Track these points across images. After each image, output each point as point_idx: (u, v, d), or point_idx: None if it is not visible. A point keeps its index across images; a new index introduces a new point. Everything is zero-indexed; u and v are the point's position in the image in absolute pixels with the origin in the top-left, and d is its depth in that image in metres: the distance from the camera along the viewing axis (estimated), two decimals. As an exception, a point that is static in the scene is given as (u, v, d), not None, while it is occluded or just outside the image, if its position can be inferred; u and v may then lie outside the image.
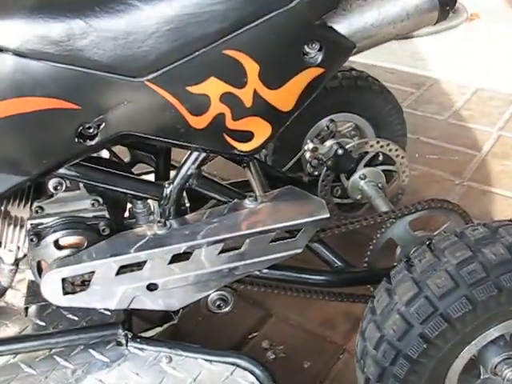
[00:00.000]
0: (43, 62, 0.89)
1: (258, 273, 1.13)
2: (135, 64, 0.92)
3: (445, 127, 2.23)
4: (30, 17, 0.88)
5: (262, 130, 1.02)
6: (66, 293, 1.05)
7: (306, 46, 0.98)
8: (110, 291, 1.07)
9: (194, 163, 1.07)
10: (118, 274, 1.05)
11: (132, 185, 1.09)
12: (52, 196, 1.09)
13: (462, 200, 1.79)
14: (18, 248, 1.12)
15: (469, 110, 2.34)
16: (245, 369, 1.08)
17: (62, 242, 1.07)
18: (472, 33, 3.16)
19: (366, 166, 1.46)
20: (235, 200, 1.11)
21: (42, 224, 1.06)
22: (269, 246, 1.08)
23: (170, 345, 1.14)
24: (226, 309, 1.17)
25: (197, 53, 0.93)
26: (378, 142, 1.45)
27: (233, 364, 1.09)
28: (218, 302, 1.15)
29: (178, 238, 1.05)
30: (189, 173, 1.08)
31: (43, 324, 1.24)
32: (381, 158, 1.48)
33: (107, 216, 1.10)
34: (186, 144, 1.02)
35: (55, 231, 1.07)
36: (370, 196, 1.42)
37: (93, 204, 1.09)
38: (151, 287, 1.08)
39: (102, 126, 0.95)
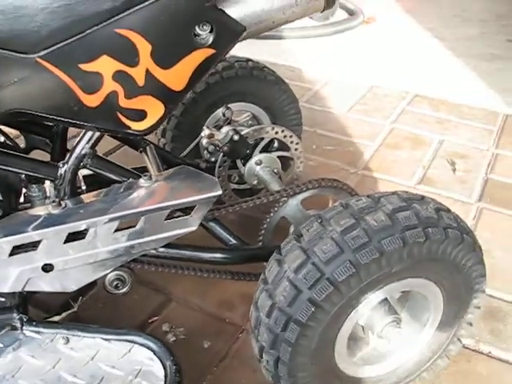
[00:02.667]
0: None
1: (154, 252, 1.15)
2: (25, 40, 0.92)
3: (341, 120, 2.34)
4: None
5: (154, 109, 1.04)
6: (-45, 275, 1.03)
7: (196, 27, 1.01)
8: (2, 273, 1.05)
9: (87, 142, 1.08)
10: (11, 254, 1.04)
11: (25, 165, 1.08)
12: None
13: (356, 187, 1.89)
14: None
15: (364, 104, 2.47)
16: (142, 345, 1.10)
17: (-50, 224, 1.04)
18: (368, 34, 3.34)
19: (261, 152, 1.52)
20: (130, 179, 1.13)
21: None
22: (164, 224, 1.10)
23: (67, 326, 1.14)
24: (124, 289, 1.18)
25: (88, 31, 0.93)
26: (272, 129, 1.51)
27: (131, 341, 1.11)
28: (115, 282, 1.16)
29: (73, 217, 1.05)
30: (83, 152, 1.08)
31: None
32: (276, 144, 1.54)
33: (0, 198, 1.08)
34: (79, 123, 1.02)
35: None
36: (265, 180, 1.47)
37: (-17, 186, 1.08)
38: (46, 268, 1.08)
39: (-10, 104, 0.94)
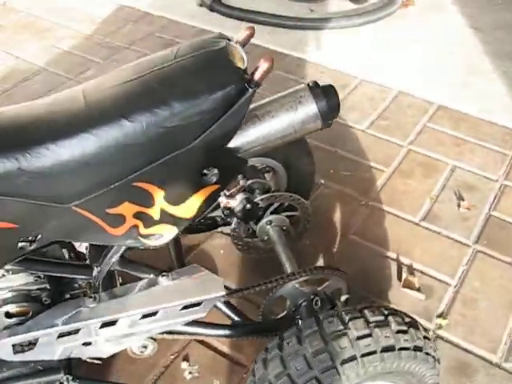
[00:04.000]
0: None
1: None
2: (62, 194, 1.15)
3: (362, 139, 2.49)
4: None
5: (168, 232, 1.28)
6: (16, 352, 1.33)
7: (204, 170, 1.22)
8: (52, 350, 1.34)
9: (115, 253, 1.33)
10: (58, 337, 1.33)
11: (66, 270, 1.35)
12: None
13: (365, 222, 2.10)
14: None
15: (386, 119, 2.60)
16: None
17: (11, 311, 1.33)
18: (405, 20, 3.36)
19: (272, 213, 1.73)
20: (151, 276, 1.39)
21: (-6, 298, 1.32)
22: (179, 313, 1.37)
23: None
24: (147, 353, 1.46)
25: (112, 186, 1.16)
26: (281, 195, 1.71)
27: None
28: (140, 349, 1.45)
29: (105, 311, 1.33)
30: (113, 260, 1.33)
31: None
32: (286, 204, 1.75)
33: (48, 287, 1.36)
34: (109, 244, 1.27)
35: (6, 303, 1.33)
36: (273, 241, 1.69)
37: (36, 280, 1.35)
38: (86, 344, 1.37)
39: (38, 237, 1.20)
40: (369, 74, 2.90)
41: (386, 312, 1.27)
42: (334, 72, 2.91)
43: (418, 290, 1.86)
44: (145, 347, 1.45)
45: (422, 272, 1.92)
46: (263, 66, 1.16)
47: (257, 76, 1.16)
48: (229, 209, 1.71)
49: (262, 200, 1.70)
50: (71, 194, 1.16)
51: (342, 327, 1.22)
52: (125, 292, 1.37)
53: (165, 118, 1.11)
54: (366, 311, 1.27)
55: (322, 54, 3.06)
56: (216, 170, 1.23)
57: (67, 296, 1.39)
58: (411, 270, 1.92)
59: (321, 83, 1.37)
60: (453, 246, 2.01)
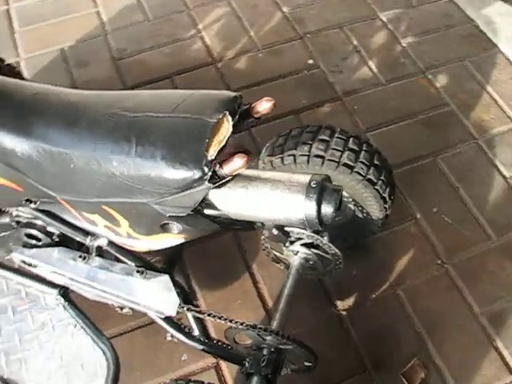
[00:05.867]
0: None
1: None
2: (53, 187, 1.31)
3: (500, 188, 2.17)
4: None
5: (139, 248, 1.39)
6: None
7: (164, 221, 1.27)
8: (47, 276, 1.62)
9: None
10: (50, 272, 1.59)
11: (69, 230, 1.55)
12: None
13: (426, 285, 1.93)
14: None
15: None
16: None
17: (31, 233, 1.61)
18: None
19: (303, 245, 1.70)
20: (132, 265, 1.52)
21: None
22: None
23: None
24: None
25: (87, 199, 1.29)
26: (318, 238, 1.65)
27: None
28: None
29: (81, 272, 1.54)
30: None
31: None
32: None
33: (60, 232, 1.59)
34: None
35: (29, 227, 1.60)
36: (289, 272, 1.69)
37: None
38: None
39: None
40: None
41: None
42: None
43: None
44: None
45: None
46: (236, 162, 1.12)
47: (226, 170, 1.13)
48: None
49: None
50: (58, 188, 1.31)
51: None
52: (104, 266, 1.53)
53: (126, 174, 1.17)
54: None
55: None
56: (179, 225, 1.27)
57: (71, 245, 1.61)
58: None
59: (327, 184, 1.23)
60: None
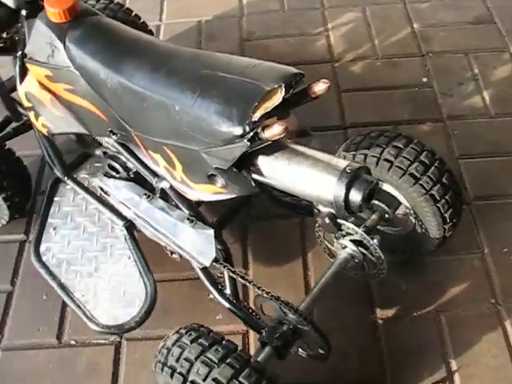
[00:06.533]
0: None
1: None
2: (129, 122, 1.49)
3: None
4: None
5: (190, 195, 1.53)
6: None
7: (210, 172, 1.39)
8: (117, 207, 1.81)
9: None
10: (118, 203, 1.78)
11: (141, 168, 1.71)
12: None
13: (475, 324, 1.88)
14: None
15: None
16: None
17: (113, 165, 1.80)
18: None
19: (352, 241, 1.74)
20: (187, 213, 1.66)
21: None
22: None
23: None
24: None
25: (152, 138, 1.45)
26: (369, 241, 1.68)
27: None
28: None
29: (143, 208, 1.70)
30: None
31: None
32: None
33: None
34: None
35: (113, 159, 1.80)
36: (333, 263, 1.74)
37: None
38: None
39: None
40: None
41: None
42: None
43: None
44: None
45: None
46: (275, 129, 1.21)
47: (267, 134, 1.22)
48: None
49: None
50: (132, 123, 1.48)
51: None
52: (162, 208, 1.68)
53: (184, 120, 1.31)
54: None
55: None
56: (222, 180, 1.38)
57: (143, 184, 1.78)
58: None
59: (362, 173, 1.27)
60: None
